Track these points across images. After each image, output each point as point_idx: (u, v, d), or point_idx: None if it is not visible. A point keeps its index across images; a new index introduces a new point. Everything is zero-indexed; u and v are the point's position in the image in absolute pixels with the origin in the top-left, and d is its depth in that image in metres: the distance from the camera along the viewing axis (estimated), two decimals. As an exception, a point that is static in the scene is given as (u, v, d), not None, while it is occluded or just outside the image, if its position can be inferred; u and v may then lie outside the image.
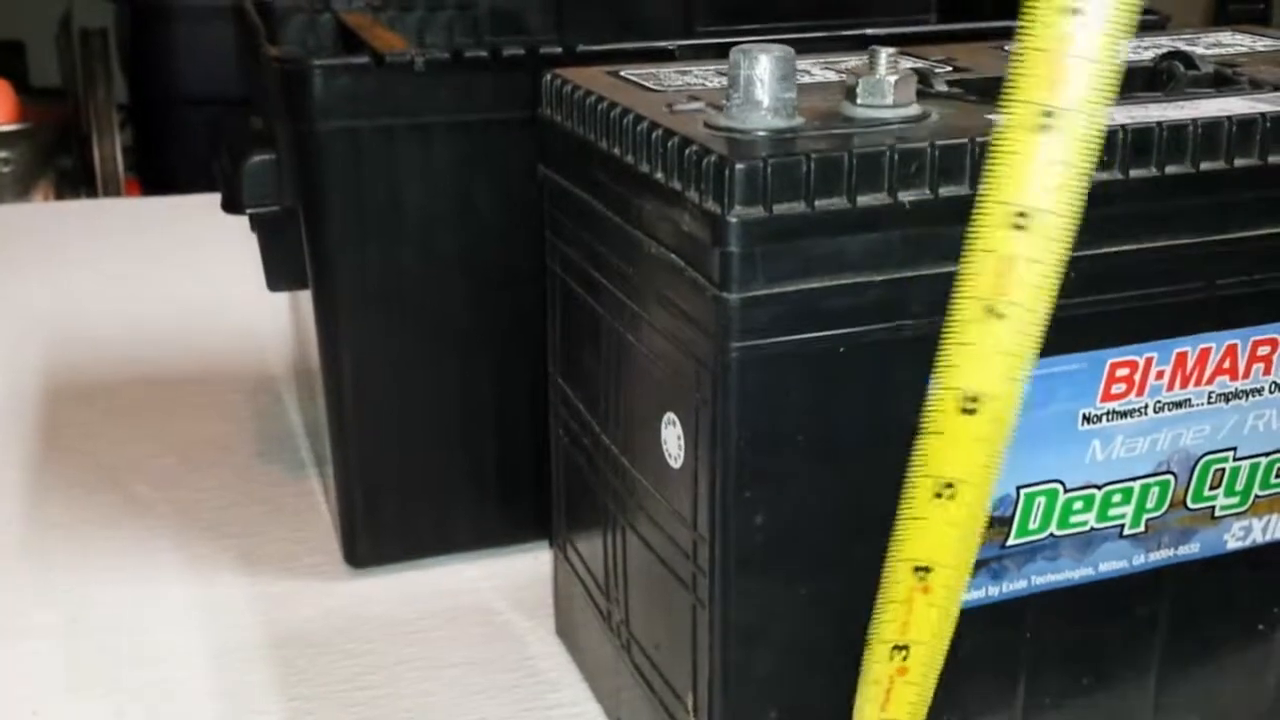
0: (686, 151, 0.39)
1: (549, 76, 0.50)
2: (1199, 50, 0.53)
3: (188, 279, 1.04)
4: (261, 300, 0.90)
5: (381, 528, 0.63)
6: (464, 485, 0.63)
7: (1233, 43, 0.56)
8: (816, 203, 0.37)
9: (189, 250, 1.11)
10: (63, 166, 1.72)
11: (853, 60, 0.52)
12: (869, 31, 0.61)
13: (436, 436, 0.62)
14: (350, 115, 0.56)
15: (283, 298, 0.77)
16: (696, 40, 0.60)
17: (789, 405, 0.39)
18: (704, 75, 0.49)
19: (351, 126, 0.56)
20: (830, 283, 0.38)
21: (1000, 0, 0.84)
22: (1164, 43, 0.55)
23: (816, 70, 0.50)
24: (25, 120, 1.68)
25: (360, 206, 0.58)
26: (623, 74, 0.50)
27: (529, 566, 0.64)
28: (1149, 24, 0.62)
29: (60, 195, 1.71)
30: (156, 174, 1.82)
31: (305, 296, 0.65)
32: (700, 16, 0.82)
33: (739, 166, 0.37)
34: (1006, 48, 0.54)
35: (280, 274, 0.62)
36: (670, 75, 0.49)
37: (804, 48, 0.55)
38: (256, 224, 0.62)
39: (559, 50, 0.57)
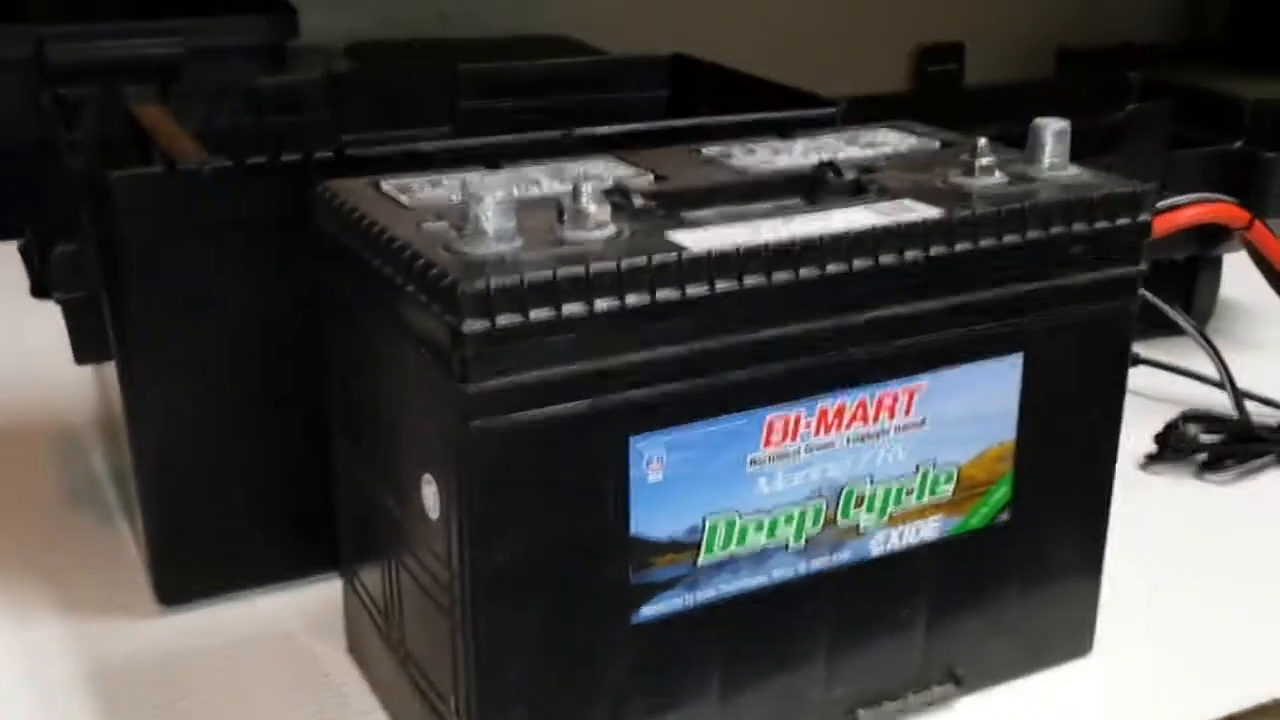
0: (430, 273, 0.49)
1: (320, 188, 0.60)
2: (854, 153, 0.66)
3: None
4: (61, 348, 0.96)
5: (187, 567, 0.72)
6: (261, 528, 0.72)
7: (884, 141, 0.69)
8: (531, 314, 0.48)
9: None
10: None
11: (579, 166, 0.63)
12: (600, 131, 0.72)
13: (234, 486, 0.71)
14: (148, 216, 0.65)
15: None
16: (455, 143, 0.70)
17: (517, 469, 0.50)
18: (452, 185, 0.60)
19: (149, 225, 0.65)
20: (544, 373, 0.49)
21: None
22: (830, 142, 0.68)
23: (545, 180, 0.61)
24: None
25: (160, 294, 0.66)
26: (382, 187, 0.60)
27: (323, 595, 0.73)
28: (822, 120, 0.75)
29: None
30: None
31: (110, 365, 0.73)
32: (463, 95, 0.93)
33: (466, 290, 0.47)
34: (703, 151, 0.67)
35: (87, 350, 0.70)
36: (424, 188, 0.59)
37: (543, 150, 0.66)
38: (63, 307, 0.70)
39: (331, 154, 0.67)
